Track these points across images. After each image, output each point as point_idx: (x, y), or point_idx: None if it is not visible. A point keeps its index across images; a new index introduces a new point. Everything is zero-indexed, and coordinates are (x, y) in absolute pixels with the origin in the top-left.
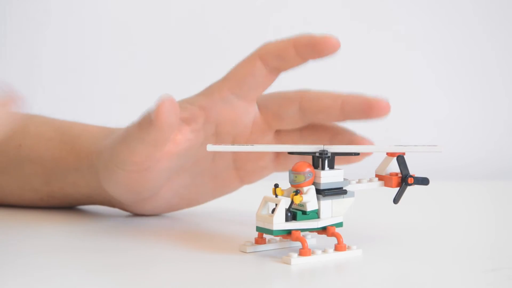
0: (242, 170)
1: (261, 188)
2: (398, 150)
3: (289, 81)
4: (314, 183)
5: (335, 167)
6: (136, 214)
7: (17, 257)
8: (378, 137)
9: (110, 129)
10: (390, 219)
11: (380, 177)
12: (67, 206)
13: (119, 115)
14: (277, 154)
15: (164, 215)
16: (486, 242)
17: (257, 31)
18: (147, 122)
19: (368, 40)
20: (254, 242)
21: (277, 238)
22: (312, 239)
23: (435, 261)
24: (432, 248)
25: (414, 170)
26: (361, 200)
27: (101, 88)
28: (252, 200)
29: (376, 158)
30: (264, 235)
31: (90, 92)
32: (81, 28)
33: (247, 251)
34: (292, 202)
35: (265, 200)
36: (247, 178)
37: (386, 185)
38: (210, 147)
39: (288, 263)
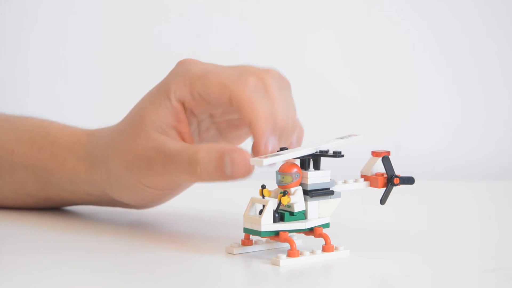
0: (228, 138)
1: (248, 189)
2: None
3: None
4: (301, 184)
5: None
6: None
7: (14, 256)
8: (379, 138)
9: (96, 136)
10: (381, 220)
11: (365, 178)
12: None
13: (113, 115)
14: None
15: (151, 215)
16: (486, 242)
17: (251, 34)
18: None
19: (370, 42)
20: (240, 243)
21: (264, 239)
22: (298, 240)
23: (433, 261)
24: (430, 248)
25: (415, 170)
26: (349, 201)
27: (89, 88)
28: (238, 201)
29: (361, 159)
30: (251, 237)
31: (77, 92)
32: (69, 28)
33: (234, 253)
34: (279, 203)
35: (253, 201)
36: (236, 142)
37: (372, 185)
38: (266, 161)
39: (277, 264)
